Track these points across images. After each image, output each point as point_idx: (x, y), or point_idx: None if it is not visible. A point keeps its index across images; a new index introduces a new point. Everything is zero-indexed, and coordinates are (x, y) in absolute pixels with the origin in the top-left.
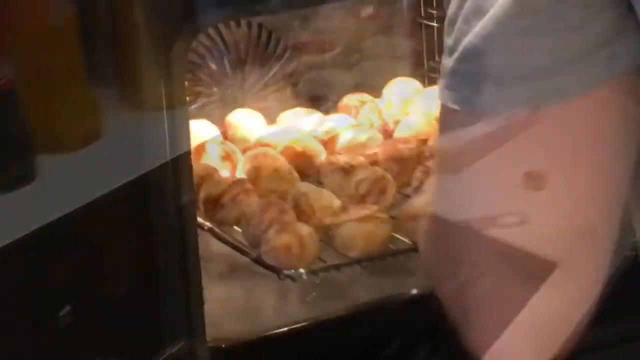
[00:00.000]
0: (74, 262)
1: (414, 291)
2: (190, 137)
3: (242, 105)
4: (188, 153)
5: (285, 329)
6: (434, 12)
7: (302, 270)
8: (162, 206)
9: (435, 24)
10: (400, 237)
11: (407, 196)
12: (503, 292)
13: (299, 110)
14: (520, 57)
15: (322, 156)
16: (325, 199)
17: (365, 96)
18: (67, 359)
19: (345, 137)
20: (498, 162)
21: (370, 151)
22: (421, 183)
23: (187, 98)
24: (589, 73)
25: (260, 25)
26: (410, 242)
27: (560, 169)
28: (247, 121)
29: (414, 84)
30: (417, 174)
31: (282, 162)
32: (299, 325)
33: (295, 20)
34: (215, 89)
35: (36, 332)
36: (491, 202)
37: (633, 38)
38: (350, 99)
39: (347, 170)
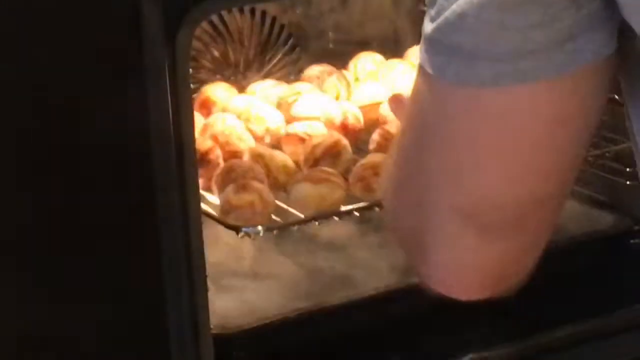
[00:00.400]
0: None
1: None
2: (194, 124)
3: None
4: (192, 138)
5: (290, 315)
6: None
7: (259, 228)
8: (165, 191)
9: None
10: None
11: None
12: (459, 238)
13: (269, 82)
14: (486, 41)
15: (276, 120)
16: (280, 159)
17: (327, 67)
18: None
19: (303, 101)
20: (461, 133)
21: (326, 114)
22: (379, 146)
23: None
24: (549, 63)
25: (263, 12)
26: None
27: (521, 148)
28: (217, 93)
29: (378, 57)
30: (374, 137)
31: (238, 126)
32: (303, 312)
33: (299, 7)
34: (218, 76)
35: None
36: (452, 170)
37: (599, 34)
38: (313, 70)
39: (304, 137)
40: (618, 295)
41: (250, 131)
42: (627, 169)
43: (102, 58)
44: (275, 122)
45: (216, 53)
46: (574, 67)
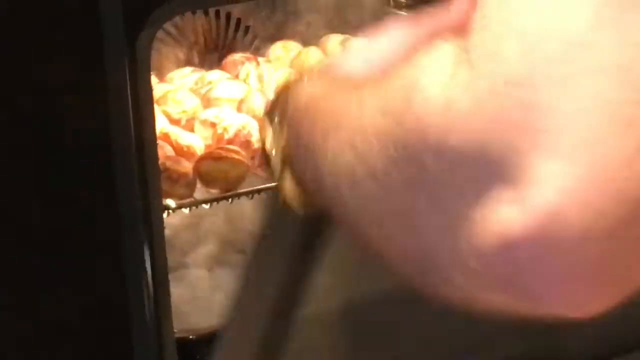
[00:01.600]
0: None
1: None
2: (156, 125)
3: None
4: (154, 140)
5: None
6: (404, 0)
7: (172, 203)
8: (127, 193)
9: (405, 14)
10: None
11: None
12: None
13: (186, 69)
14: None
15: (192, 104)
16: (190, 139)
17: (247, 54)
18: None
19: (218, 89)
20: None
21: (234, 101)
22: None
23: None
24: None
25: (228, 14)
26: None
27: None
28: None
29: (293, 44)
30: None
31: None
32: None
33: (264, 9)
34: None
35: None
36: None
37: None
38: (234, 56)
39: (214, 123)
40: None
41: (167, 114)
42: None
43: (61, 62)
44: (191, 106)
45: (180, 55)
46: None
